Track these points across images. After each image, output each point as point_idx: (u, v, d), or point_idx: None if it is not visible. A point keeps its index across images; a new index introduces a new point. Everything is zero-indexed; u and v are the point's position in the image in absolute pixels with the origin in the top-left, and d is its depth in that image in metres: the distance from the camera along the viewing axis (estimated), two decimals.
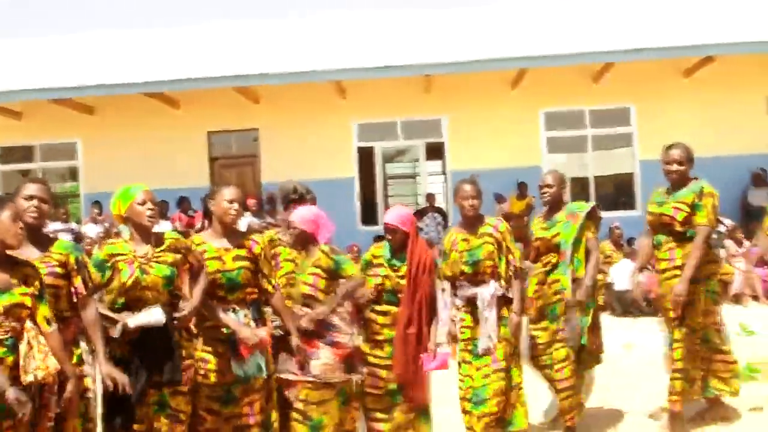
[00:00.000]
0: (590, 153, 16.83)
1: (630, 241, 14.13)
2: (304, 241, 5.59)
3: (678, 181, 6.14)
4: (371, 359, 5.69)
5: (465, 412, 5.86)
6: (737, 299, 12.73)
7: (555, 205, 6.38)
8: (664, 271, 6.10)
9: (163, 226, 13.98)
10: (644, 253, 6.49)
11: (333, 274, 5.54)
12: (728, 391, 6.23)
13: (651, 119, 16.21)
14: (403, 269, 5.71)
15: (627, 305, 12.29)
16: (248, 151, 16.93)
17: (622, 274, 12.41)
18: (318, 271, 5.52)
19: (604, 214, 13.88)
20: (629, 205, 16.49)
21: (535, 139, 16.43)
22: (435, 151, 17.37)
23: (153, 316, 4.69)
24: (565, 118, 16.68)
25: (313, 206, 5.83)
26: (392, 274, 5.71)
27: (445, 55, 15.27)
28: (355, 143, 16.76)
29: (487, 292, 5.81)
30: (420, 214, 16.18)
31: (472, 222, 5.96)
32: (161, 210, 15.20)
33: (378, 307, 5.75)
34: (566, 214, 6.27)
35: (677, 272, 5.97)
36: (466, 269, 5.87)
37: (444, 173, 17.30)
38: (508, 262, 5.83)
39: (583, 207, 6.34)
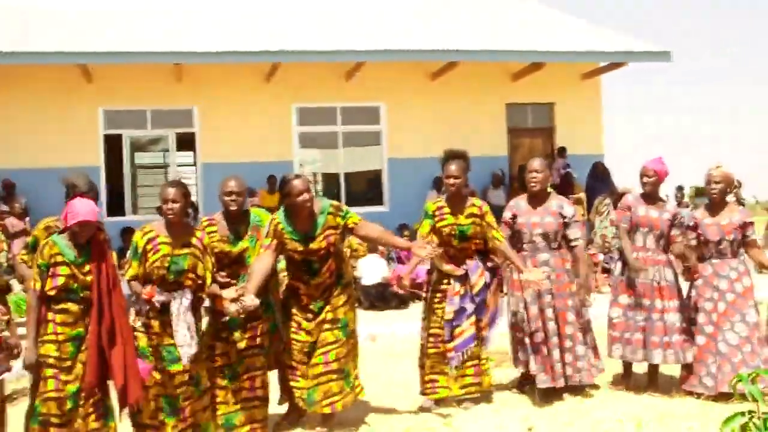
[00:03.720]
0: (341, 149, 17.18)
1: None
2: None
3: (311, 210, 6.13)
4: (51, 361, 5.33)
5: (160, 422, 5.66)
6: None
7: (239, 214, 6.14)
8: (329, 288, 6.19)
9: None
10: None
11: None
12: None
13: (399, 119, 16.84)
14: (88, 266, 5.36)
15: (373, 299, 12.69)
16: None
17: (369, 269, 12.79)
18: None
19: (354, 209, 14.25)
20: (377, 201, 17.02)
21: (287, 133, 16.56)
22: (186, 142, 17.03)
23: None
24: (318, 114, 16.90)
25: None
26: (78, 273, 5.34)
27: (196, 45, 15.05)
28: (102, 130, 16.07)
29: (183, 299, 5.58)
30: None
31: (174, 224, 5.67)
32: None
33: (57, 306, 5.36)
34: (251, 227, 6.13)
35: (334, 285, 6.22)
36: (168, 276, 5.58)
37: (195, 164, 17.00)
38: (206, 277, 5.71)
39: (266, 219, 6.17)
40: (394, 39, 15.99)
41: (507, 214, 6.95)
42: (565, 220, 6.75)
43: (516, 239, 6.91)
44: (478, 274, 6.63)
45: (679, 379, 7.01)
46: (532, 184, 6.83)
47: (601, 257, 13.86)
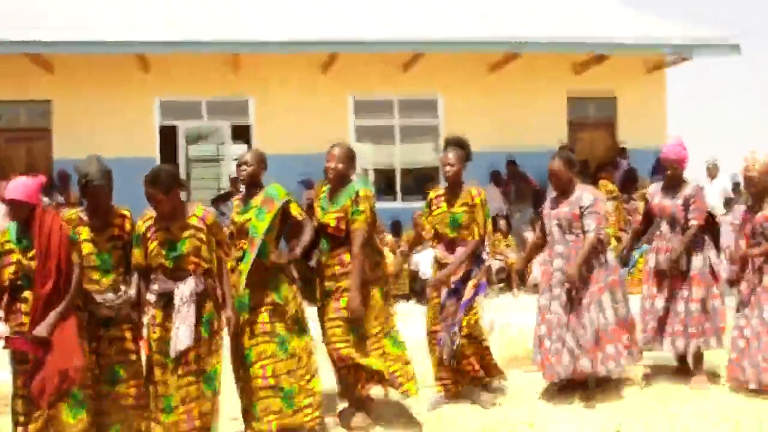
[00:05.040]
0: (398, 142, 16.91)
1: None
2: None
3: (336, 182, 6.07)
4: (19, 355, 5.12)
5: (156, 421, 5.39)
6: (536, 288, 13.08)
7: (253, 185, 6.00)
8: (335, 277, 6.01)
9: None
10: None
11: None
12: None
13: (457, 111, 16.47)
14: (32, 251, 5.10)
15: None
16: (39, 124, 15.74)
17: (427, 262, 12.45)
18: None
19: (410, 204, 13.93)
20: None
21: (344, 125, 16.30)
22: (241, 134, 16.90)
23: None
24: (374, 106, 16.66)
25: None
26: (23, 258, 5.11)
27: (253, 35, 14.83)
28: (157, 121, 16.01)
29: (186, 287, 5.34)
30: (224, 198, 15.68)
31: (167, 216, 5.44)
32: None
33: (21, 295, 5.15)
34: (262, 199, 5.90)
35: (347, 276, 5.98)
36: (167, 263, 5.38)
37: None
38: (219, 258, 5.50)
39: (282, 195, 5.94)
40: (453, 29, 15.64)
41: (544, 206, 6.87)
42: (581, 210, 6.47)
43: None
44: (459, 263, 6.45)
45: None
46: (553, 185, 6.72)
47: None
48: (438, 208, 6.63)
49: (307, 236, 5.90)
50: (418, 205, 15.04)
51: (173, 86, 15.72)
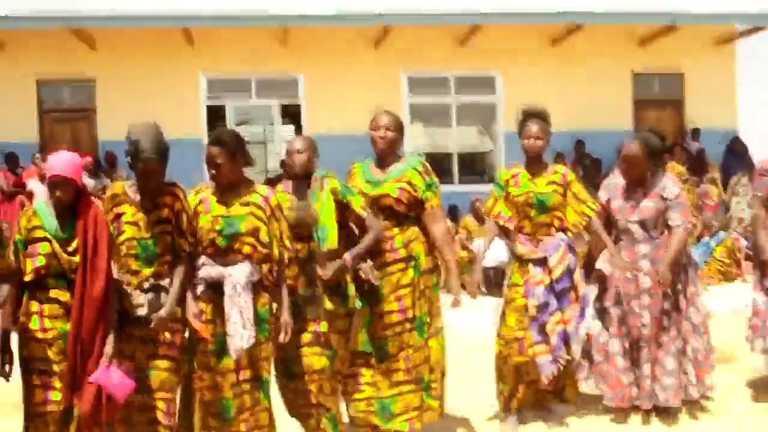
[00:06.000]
0: (454, 122, 16.22)
1: None
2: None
3: (386, 152, 5.33)
4: (40, 366, 4.28)
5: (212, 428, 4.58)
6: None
7: (307, 175, 5.17)
8: (385, 265, 5.20)
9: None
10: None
11: None
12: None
13: (516, 88, 15.68)
14: (75, 242, 4.27)
15: (491, 283, 11.69)
16: (83, 104, 15.30)
17: (494, 251, 11.76)
18: None
19: (466, 188, 13.21)
20: (490, 178, 15.99)
21: (398, 104, 15.59)
22: (290, 114, 16.33)
23: None
24: (429, 84, 15.97)
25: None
26: (61, 251, 4.27)
27: (304, 6, 14.20)
28: (204, 100, 15.48)
29: (240, 273, 4.52)
30: (273, 182, 15.10)
31: (226, 186, 4.68)
32: None
33: (43, 294, 4.30)
34: (314, 180, 5.16)
35: (401, 265, 5.17)
36: (220, 241, 4.56)
37: None
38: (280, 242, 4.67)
39: (333, 175, 5.22)
40: (512, 0, 14.88)
41: (602, 195, 5.83)
42: (667, 202, 5.57)
43: (611, 226, 5.80)
44: (558, 255, 5.52)
45: None
46: (626, 174, 5.71)
47: (743, 242, 12.54)
48: (518, 186, 5.71)
49: (370, 238, 5.11)
50: (472, 189, 14.45)
51: (220, 63, 15.17)
